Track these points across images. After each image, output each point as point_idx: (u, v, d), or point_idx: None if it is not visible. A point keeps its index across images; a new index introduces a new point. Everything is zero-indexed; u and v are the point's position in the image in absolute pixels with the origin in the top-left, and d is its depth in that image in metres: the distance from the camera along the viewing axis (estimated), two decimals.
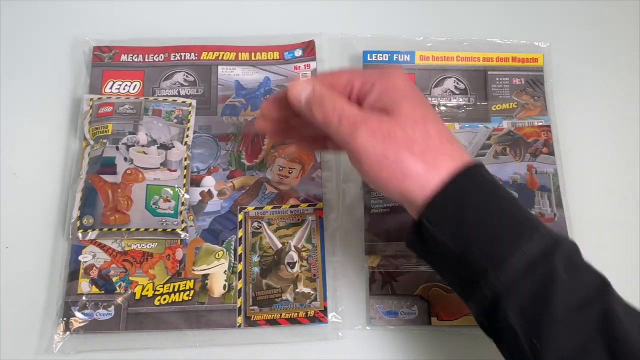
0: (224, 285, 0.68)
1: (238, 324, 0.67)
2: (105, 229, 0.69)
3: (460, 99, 0.79)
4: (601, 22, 0.87)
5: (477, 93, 0.79)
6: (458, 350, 0.68)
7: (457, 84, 0.79)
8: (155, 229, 0.69)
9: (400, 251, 0.70)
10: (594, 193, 0.76)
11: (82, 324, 0.66)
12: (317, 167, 0.75)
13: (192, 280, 0.68)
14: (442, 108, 0.78)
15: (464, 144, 0.76)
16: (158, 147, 0.73)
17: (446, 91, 0.79)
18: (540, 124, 0.77)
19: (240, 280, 0.69)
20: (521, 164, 0.75)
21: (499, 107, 0.78)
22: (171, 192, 0.71)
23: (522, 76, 0.80)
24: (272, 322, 0.67)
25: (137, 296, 0.67)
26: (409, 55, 0.80)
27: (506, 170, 0.74)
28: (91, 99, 0.75)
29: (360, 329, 0.68)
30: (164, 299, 0.67)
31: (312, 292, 0.68)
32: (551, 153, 0.75)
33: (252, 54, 0.81)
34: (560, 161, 0.76)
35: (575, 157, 0.77)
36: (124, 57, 0.79)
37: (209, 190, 0.73)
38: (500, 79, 0.80)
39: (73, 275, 0.68)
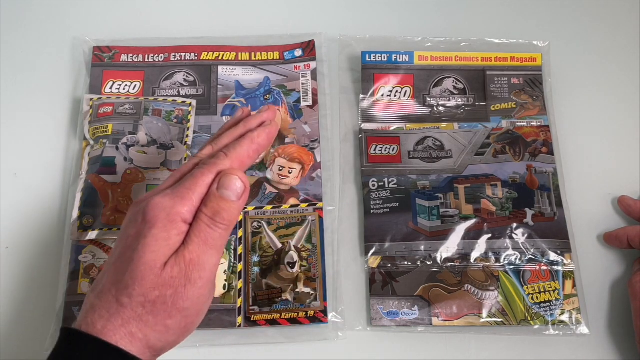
0: (224, 285, 0.66)
1: (238, 324, 0.65)
2: (105, 229, 0.67)
3: (459, 99, 0.77)
4: (600, 21, 0.85)
5: (476, 93, 0.77)
6: (459, 351, 0.66)
7: (456, 84, 0.77)
8: None
9: (401, 251, 0.68)
10: (594, 192, 0.74)
11: None
12: (317, 167, 0.73)
13: None
14: (441, 108, 0.76)
15: (464, 144, 0.73)
16: (158, 147, 0.71)
17: (445, 91, 0.77)
18: (539, 124, 0.75)
19: (240, 280, 0.66)
20: (521, 163, 0.73)
21: (497, 107, 0.76)
22: None
23: (520, 76, 0.78)
24: (272, 322, 0.65)
25: None
26: (407, 56, 0.78)
27: (506, 169, 0.72)
28: (91, 99, 0.73)
29: (360, 329, 0.66)
30: None
31: (312, 292, 0.66)
32: (550, 153, 0.73)
33: (252, 54, 0.79)
34: (559, 161, 0.74)
35: (575, 156, 0.76)
36: (124, 57, 0.77)
37: None
38: (499, 78, 0.78)
39: (73, 275, 0.66)
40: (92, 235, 0.66)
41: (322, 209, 0.70)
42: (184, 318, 0.47)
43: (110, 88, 0.75)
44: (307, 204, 0.70)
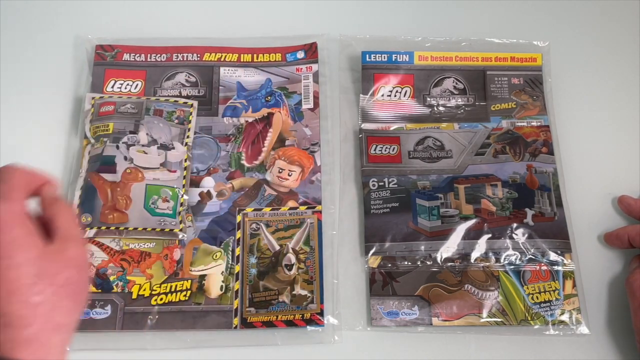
0: (221, 287, 0.63)
1: (234, 325, 0.61)
2: (103, 228, 0.63)
3: (459, 99, 0.73)
4: (600, 21, 0.82)
5: (476, 93, 0.73)
6: (459, 351, 0.63)
7: (456, 84, 0.74)
8: (154, 229, 0.64)
9: (401, 251, 0.65)
10: (594, 192, 0.71)
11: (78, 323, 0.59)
12: (317, 170, 0.69)
13: (189, 281, 0.63)
14: (441, 108, 0.73)
15: (464, 144, 0.70)
16: (158, 147, 0.67)
17: (445, 91, 0.73)
18: (539, 124, 0.72)
19: (238, 282, 0.63)
20: (521, 163, 0.69)
21: (498, 107, 0.73)
22: (170, 192, 0.65)
23: (521, 76, 0.74)
24: (268, 324, 0.61)
25: (134, 296, 0.62)
26: (407, 56, 0.74)
27: (506, 169, 0.69)
28: (93, 98, 0.70)
29: (361, 329, 0.63)
30: (161, 299, 0.62)
31: (308, 295, 0.62)
32: (550, 153, 0.70)
33: (254, 55, 0.75)
34: (559, 160, 0.70)
35: (575, 156, 0.72)
36: (126, 57, 0.73)
37: (208, 191, 0.67)
38: (499, 78, 0.74)
39: None
40: (90, 233, 0.63)
41: (321, 211, 0.66)
42: None
43: (112, 87, 0.71)
44: (306, 206, 0.66)
